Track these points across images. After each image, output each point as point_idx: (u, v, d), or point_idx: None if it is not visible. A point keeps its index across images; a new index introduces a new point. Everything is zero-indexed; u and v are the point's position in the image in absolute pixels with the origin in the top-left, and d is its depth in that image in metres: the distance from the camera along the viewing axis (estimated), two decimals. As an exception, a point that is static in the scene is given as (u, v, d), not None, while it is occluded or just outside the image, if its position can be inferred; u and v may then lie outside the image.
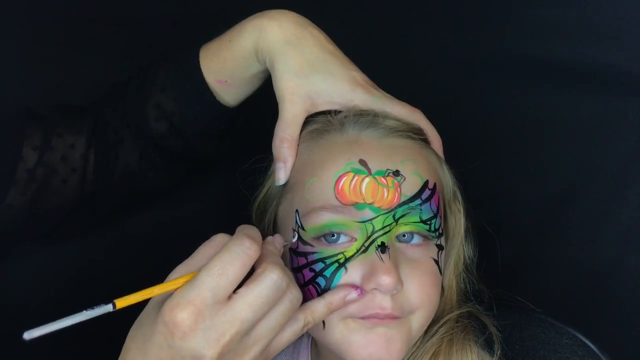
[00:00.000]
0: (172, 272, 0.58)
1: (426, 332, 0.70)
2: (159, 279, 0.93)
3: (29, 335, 0.49)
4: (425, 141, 0.73)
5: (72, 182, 0.77)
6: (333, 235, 0.65)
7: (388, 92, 0.74)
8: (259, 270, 0.57)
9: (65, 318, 0.51)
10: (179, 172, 0.85)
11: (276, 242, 0.65)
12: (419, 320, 0.66)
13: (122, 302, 0.54)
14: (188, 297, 0.54)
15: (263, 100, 0.74)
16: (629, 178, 0.89)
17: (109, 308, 0.53)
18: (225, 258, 0.56)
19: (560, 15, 0.91)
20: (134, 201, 0.85)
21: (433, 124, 0.74)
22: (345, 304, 0.63)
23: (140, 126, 0.77)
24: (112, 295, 0.90)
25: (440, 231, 0.69)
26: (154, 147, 0.79)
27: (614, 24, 0.88)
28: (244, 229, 0.60)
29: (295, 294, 0.59)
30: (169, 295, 0.55)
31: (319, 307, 0.62)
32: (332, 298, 0.63)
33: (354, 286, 0.64)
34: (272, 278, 0.56)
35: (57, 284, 0.90)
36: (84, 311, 0.52)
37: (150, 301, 0.58)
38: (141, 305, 0.58)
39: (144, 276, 0.92)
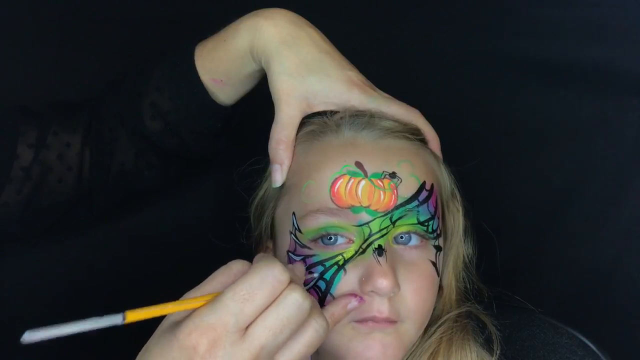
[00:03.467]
0: (184, 296, 0.54)
1: (425, 331, 0.70)
2: (158, 279, 0.93)
3: (29, 337, 0.45)
4: (423, 141, 0.73)
5: (68, 180, 0.77)
6: (330, 238, 0.65)
7: (385, 92, 0.74)
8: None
9: (69, 323, 0.47)
10: (175, 170, 0.84)
11: (297, 270, 0.62)
12: (414, 325, 0.66)
13: (133, 316, 0.49)
14: (209, 320, 0.50)
15: (260, 102, 0.73)
16: (629, 178, 0.89)
17: (117, 320, 0.48)
18: (253, 282, 0.51)
19: (559, 15, 0.91)
20: (131, 199, 0.85)
21: (431, 124, 0.74)
22: (347, 313, 0.63)
23: (135, 125, 0.77)
24: (112, 296, 0.91)
25: (438, 232, 0.69)
26: (150, 145, 0.79)
27: (614, 24, 0.88)
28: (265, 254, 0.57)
29: (321, 322, 0.55)
30: (185, 315, 0.51)
31: None
32: (333, 310, 0.62)
33: (353, 294, 0.63)
34: (294, 298, 0.52)
35: (57, 283, 0.90)
36: (92, 319, 0.48)
37: (164, 322, 0.54)
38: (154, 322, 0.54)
39: (143, 276, 0.93)
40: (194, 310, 0.51)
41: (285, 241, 0.68)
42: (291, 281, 0.53)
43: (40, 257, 0.89)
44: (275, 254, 0.72)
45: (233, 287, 0.51)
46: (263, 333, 0.51)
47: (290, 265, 0.63)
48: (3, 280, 0.88)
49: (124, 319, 0.48)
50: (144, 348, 0.53)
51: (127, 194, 0.83)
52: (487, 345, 0.71)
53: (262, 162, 0.75)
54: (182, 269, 0.93)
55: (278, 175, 0.70)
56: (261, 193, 0.75)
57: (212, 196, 0.98)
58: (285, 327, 0.52)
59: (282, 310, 0.52)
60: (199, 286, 0.54)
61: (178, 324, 0.51)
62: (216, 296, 0.51)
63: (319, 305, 0.57)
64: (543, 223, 0.95)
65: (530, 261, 0.95)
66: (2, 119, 0.77)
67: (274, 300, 0.52)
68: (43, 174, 0.76)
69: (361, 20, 1.02)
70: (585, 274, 0.91)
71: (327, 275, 0.64)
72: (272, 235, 0.74)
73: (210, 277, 0.55)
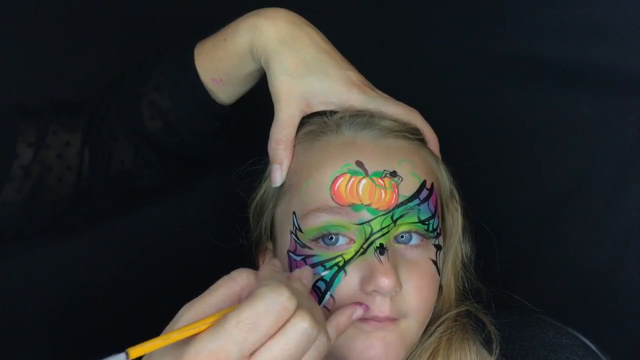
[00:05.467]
0: (184, 308, 0.51)
1: (425, 330, 0.70)
2: (158, 279, 0.94)
3: None
4: (422, 141, 0.73)
5: (67, 179, 0.77)
6: (331, 238, 0.65)
7: (384, 92, 0.74)
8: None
9: None
10: (174, 169, 0.85)
11: (304, 277, 0.59)
12: (415, 323, 0.66)
13: (136, 352, 0.47)
14: (210, 347, 0.47)
15: (259, 101, 0.73)
16: (629, 178, 0.89)
17: (121, 359, 0.46)
18: (258, 309, 0.48)
19: (560, 15, 0.91)
20: (130, 198, 0.85)
21: (430, 124, 0.74)
22: (353, 322, 0.62)
23: (134, 124, 0.77)
24: (112, 296, 0.91)
25: (439, 231, 0.69)
26: (149, 144, 0.79)
27: (613, 23, 0.87)
28: (270, 264, 0.54)
29: (322, 340, 0.52)
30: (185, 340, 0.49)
31: (329, 332, 0.58)
32: (338, 320, 0.60)
33: (358, 303, 0.63)
34: (302, 327, 0.49)
35: (57, 283, 0.90)
36: None
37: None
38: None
39: (143, 276, 0.93)
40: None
41: (285, 241, 0.69)
42: (298, 307, 0.50)
43: (40, 256, 0.89)
44: (276, 254, 0.72)
45: (237, 314, 0.48)
46: None
47: (297, 271, 0.61)
48: (3, 280, 0.88)
49: (127, 357, 0.46)
50: None
51: (126, 193, 0.83)
52: (487, 344, 0.71)
53: (261, 162, 0.75)
54: (181, 268, 0.94)
55: (277, 175, 0.70)
56: (260, 193, 0.75)
57: (211, 196, 0.98)
58: (292, 356, 0.49)
59: (289, 340, 0.49)
60: (200, 297, 0.52)
61: (181, 346, 0.48)
62: (220, 320, 0.48)
63: (324, 321, 0.54)
64: (543, 223, 0.95)
65: (529, 261, 0.95)
66: (2, 118, 0.77)
67: (279, 328, 0.49)
68: (43, 173, 0.76)
69: (360, 20, 1.02)
70: (585, 274, 0.91)
71: (327, 276, 0.64)
72: (272, 236, 0.74)
73: (213, 288, 0.52)
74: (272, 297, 0.49)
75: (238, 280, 0.52)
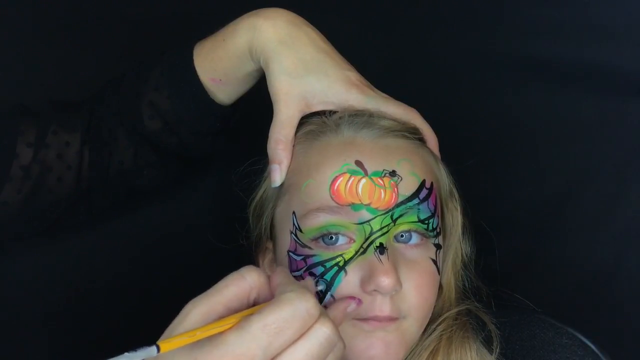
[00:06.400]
0: (190, 304, 0.50)
1: (425, 329, 0.70)
2: (157, 279, 0.94)
3: None
4: (421, 140, 0.73)
5: (67, 179, 0.77)
6: (331, 238, 0.65)
7: (383, 92, 0.74)
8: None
9: None
10: (174, 169, 0.85)
11: (309, 287, 0.61)
12: (415, 323, 0.66)
13: (166, 346, 0.46)
14: (234, 350, 0.46)
15: (258, 102, 0.74)
16: (629, 178, 0.89)
17: (152, 352, 0.45)
18: (285, 314, 0.48)
19: (559, 15, 0.91)
20: (130, 198, 0.85)
21: (429, 123, 0.74)
22: (347, 315, 0.63)
23: (134, 124, 0.77)
24: (112, 295, 0.91)
25: (438, 230, 0.69)
26: (149, 144, 0.79)
27: (613, 23, 0.88)
28: (282, 271, 0.54)
29: (340, 346, 0.52)
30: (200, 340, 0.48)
31: None
32: (332, 314, 0.61)
33: (352, 297, 0.63)
34: (326, 333, 0.49)
35: (57, 283, 0.90)
36: (126, 353, 0.45)
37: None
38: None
39: (143, 276, 0.93)
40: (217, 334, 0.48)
41: (285, 241, 0.68)
42: (321, 314, 0.50)
43: (40, 256, 0.89)
44: (275, 254, 0.72)
45: (264, 317, 0.47)
46: None
47: (302, 282, 0.61)
48: (3, 279, 0.88)
49: (158, 350, 0.46)
50: None
51: (126, 193, 0.83)
52: (487, 344, 0.71)
53: (260, 162, 0.75)
54: (181, 268, 0.94)
55: (277, 175, 0.70)
56: (260, 193, 0.75)
57: (211, 196, 0.98)
58: None
59: (313, 346, 0.49)
60: (208, 294, 0.50)
61: (198, 347, 0.47)
62: (243, 322, 0.48)
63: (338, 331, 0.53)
64: (542, 223, 0.95)
65: (529, 261, 0.95)
66: (2, 118, 0.77)
67: (303, 334, 0.49)
68: (42, 173, 0.76)
69: (360, 20, 1.02)
70: (585, 274, 0.91)
71: (328, 276, 0.64)
72: (272, 236, 0.74)
73: (222, 284, 0.51)
74: (299, 303, 0.48)
75: (248, 279, 0.51)
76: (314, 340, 0.49)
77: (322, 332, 0.49)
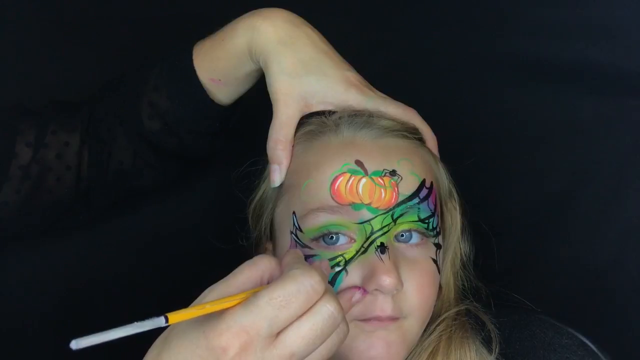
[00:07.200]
0: (207, 290, 0.52)
1: (425, 329, 0.70)
2: (157, 279, 0.93)
3: (76, 344, 0.43)
4: (420, 140, 0.73)
5: (66, 179, 0.77)
6: (332, 237, 0.65)
7: (383, 92, 0.74)
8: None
9: (114, 329, 0.45)
10: (173, 169, 0.85)
11: (323, 267, 0.62)
12: (416, 322, 0.66)
13: (174, 318, 0.47)
14: (242, 322, 0.48)
15: (257, 102, 0.74)
16: (629, 178, 0.89)
17: (160, 322, 0.46)
18: (290, 289, 0.50)
19: (560, 15, 0.91)
20: (129, 199, 0.85)
21: (429, 123, 0.74)
22: (352, 305, 0.63)
23: (133, 124, 0.77)
24: (112, 295, 0.91)
25: (438, 230, 0.69)
26: (148, 144, 0.79)
27: (613, 23, 0.88)
28: (293, 252, 0.56)
29: (343, 328, 0.54)
30: (209, 315, 0.49)
31: None
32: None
33: (355, 287, 0.63)
34: (330, 310, 0.51)
35: (57, 283, 0.90)
36: (135, 323, 0.46)
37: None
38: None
39: (142, 276, 0.93)
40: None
41: (285, 241, 0.69)
42: (326, 291, 0.52)
43: (39, 256, 0.89)
44: (275, 255, 0.72)
45: (270, 291, 0.49)
46: (296, 341, 0.50)
47: (317, 262, 0.63)
48: (3, 280, 0.88)
49: (166, 320, 0.47)
50: (161, 338, 0.52)
51: (125, 193, 0.83)
52: (486, 344, 0.71)
53: (260, 162, 0.75)
54: (180, 269, 0.94)
55: (277, 175, 0.70)
56: (260, 194, 0.75)
57: (211, 196, 0.98)
58: (318, 337, 0.51)
59: (317, 321, 0.50)
60: (224, 280, 0.53)
61: (207, 321, 0.49)
62: (250, 297, 0.50)
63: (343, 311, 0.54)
64: (542, 223, 0.95)
65: (529, 260, 0.95)
66: (1, 117, 0.77)
67: (308, 309, 0.51)
68: (42, 173, 0.76)
69: (360, 20, 1.02)
70: (585, 274, 0.91)
71: (329, 277, 0.64)
72: (272, 236, 0.74)
73: (237, 271, 0.53)
74: (304, 279, 0.50)
75: (260, 265, 0.54)
76: (318, 316, 0.50)
77: (326, 308, 0.51)
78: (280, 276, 0.52)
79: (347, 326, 0.55)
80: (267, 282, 0.54)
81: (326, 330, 0.51)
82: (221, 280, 0.53)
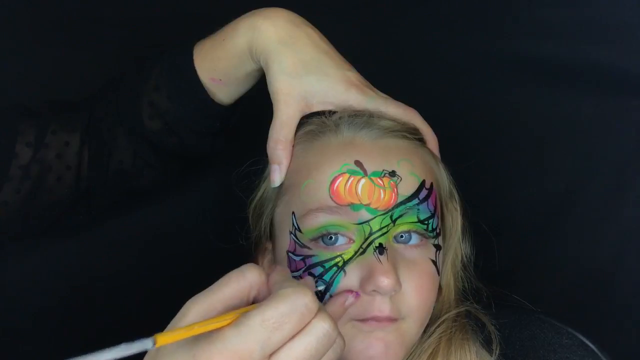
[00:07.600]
0: (190, 302, 0.49)
1: (424, 331, 0.70)
2: (157, 279, 0.93)
3: None
4: (421, 141, 0.73)
5: (66, 179, 0.77)
6: (331, 238, 0.65)
7: (384, 92, 0.74)
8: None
9: (101, 351, 0.43)
10: (174, 169, 0.84)
11: (308, 285, 0.58)
12: (415, 324, 0.66)
13: (162, 340, 0.45)
14: (233, 346, 0.46)
15: (258, 102, 0.74)
16: (629, 178, 0.89)
17: (148, 345, 0.45)
18: (282, 309, 0.47)
19: (560, 15, 0.91)
20: (129, 198, 0.85)
21: (429, 124, 0.74)
22: (345, 309, 0.63)
23: (133, 124, 0.77)
24: (112, 295, 0.91)
25: (438, 231, 0.69)
26: (148, 144, 0.79)
27: (613, 23, 0.88)
28: (281, 270, 0.53)
29: (340, 343, 0.52)
30: (199, 336, 0.47)
31: None
32: (331, 309, 0.61)
33: (349, 291, 0.63)
34: (324, 328, 0.49)
35: (57, 283, 0.90)
36: (123, 345, 0.44)
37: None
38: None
39: (142, 276, 0.93)
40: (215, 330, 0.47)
41: (285, 241, 0.68)
42: (319, 309, 0.50)
43: (40, 256, 0.89)
44: (275, 255, 0.72)
45: (261, 312, 0.47)
46: None
47: (302, 281, 0.61)
48: (2, 280, 0.88)
49: (154, 343, 0.45)
50: (149, 357, 0.50)
51: (125, 193, 0.83)
52: (487, 345, 0.71)
53: (260, 162, 0.75)
54: (180, 268, 0.94)
55: (277, 175, 0.70)
56: (260, 193, 0.75)
57: (211, 196, 0.98)
58: (313, 357, 0.49)
59: (311, 341, 0.48)
60: (208, 292, 0.50)
61: (196, 342, 0.47)
62: (241, 318, 0.47)
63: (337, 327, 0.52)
64: (542, 223, 0.95)
65: (529, 261, 0.95)
66: (1, 117, 0.77)
67: (301, 329, 0.48)
68: (42, 173, 0.76)
69: (361, 20, 1.02)
70: (585, 274, 0.91)
71: (327, 277, 0.64)
72: (271, 236, 0.74)
73: (222, 282, 0.51)
74: (296, 298, 0.48)
75: (248, 276, 0.51)
76: (312, 336, 0.48)
77: (321, 327, 0.49)
78: (271, 295, 0.49)
79: (343, 340, 0.53)
80: (254, 297, 0.52)
81: (321, 349, 0.49)
82: (205, 291, 0.50)
